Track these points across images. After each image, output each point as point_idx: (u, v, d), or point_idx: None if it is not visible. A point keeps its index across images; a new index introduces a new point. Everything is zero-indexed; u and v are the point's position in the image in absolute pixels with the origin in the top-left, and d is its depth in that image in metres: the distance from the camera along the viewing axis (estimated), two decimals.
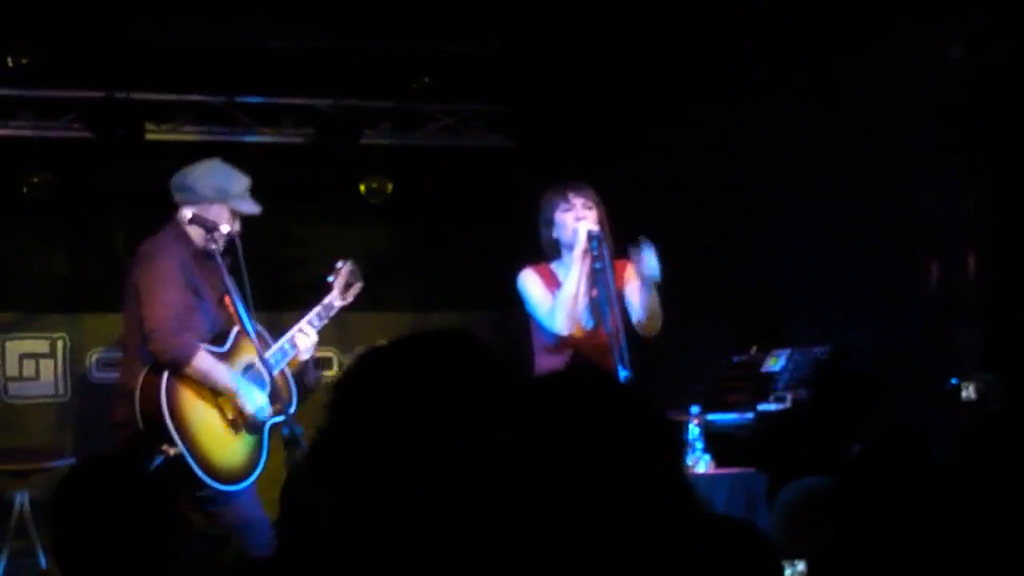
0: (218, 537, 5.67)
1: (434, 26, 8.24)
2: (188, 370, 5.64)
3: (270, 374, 5.83)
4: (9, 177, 8.06)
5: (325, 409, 2.01)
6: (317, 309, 6.19)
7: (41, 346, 8.21)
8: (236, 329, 5.87)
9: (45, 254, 8.27)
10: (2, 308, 8.06)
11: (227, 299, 5.79)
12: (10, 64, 7.91)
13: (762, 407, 6.69)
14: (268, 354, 5.89)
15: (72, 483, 3.30)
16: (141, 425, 5.60)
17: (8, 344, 8.15)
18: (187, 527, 5.25)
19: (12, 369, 8.14)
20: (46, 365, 8.20)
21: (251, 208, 5.97)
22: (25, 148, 8.13)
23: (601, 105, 8.09)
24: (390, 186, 8.72)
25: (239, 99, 8.42)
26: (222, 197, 5.86)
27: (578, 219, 5.90)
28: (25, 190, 8.09)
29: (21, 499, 7.22)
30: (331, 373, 8.24)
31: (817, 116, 7.05)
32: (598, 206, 5.95)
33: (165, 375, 5.61)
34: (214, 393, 5.77)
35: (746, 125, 7.46)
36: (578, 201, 5.92)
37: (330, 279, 6.30)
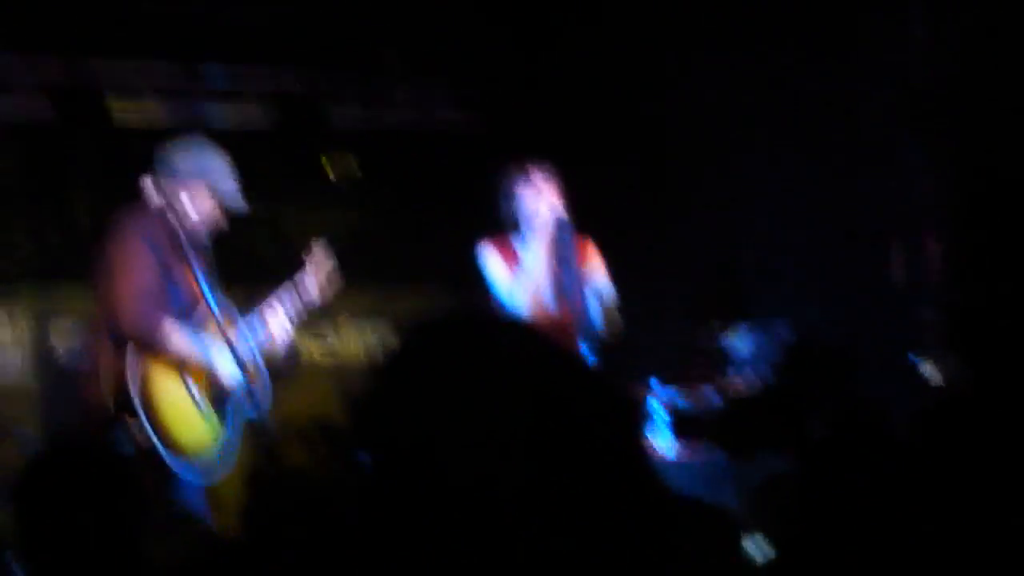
0: (182, 515, 5.66)
1: (402, 3, 8.22)
2: (156, 344, 5.62)
3: (240, 356, 5.82)
4: None
5: (369, 378, 1.99)
6: (287, 287, 6.16)
7: (1, 319, 8.15)
8: (203, 307, 5.85)
9: (6, 228, 8.21)
10: None
11: (190, 276, 5.75)
12: None
13: (723, 383, 6.72)
14: (239, 339, 5.86)
15: (36, 460, 3.29)
16: (107, 397, 5.58)
17: None
18: (151, 503, 5.24)
19: None
20: (5, 337, 8.14)
21: (231, 188, 5.87)
22: None
23: (568, 83, 8.09)
24: (356, 164, 8.70)
25: (204, 75, 8.37)
26: (200, 175, 5.80)
27: (539, 193, 5.92)
28: None
29: None
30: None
31: (781, 95, 7.07)
32: (559, 184, 5.96)
33: (132, 349, 5.59)
34: (181, 369, 5.75)
35: (712, 104, 7.48)
36: (537, 175, 5.93)
37: (304, 259, 6.28)
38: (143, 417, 5.54)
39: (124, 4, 7.96)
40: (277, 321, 6.06)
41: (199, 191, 5.78)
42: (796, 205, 7.06)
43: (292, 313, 6.15)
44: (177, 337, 5.66)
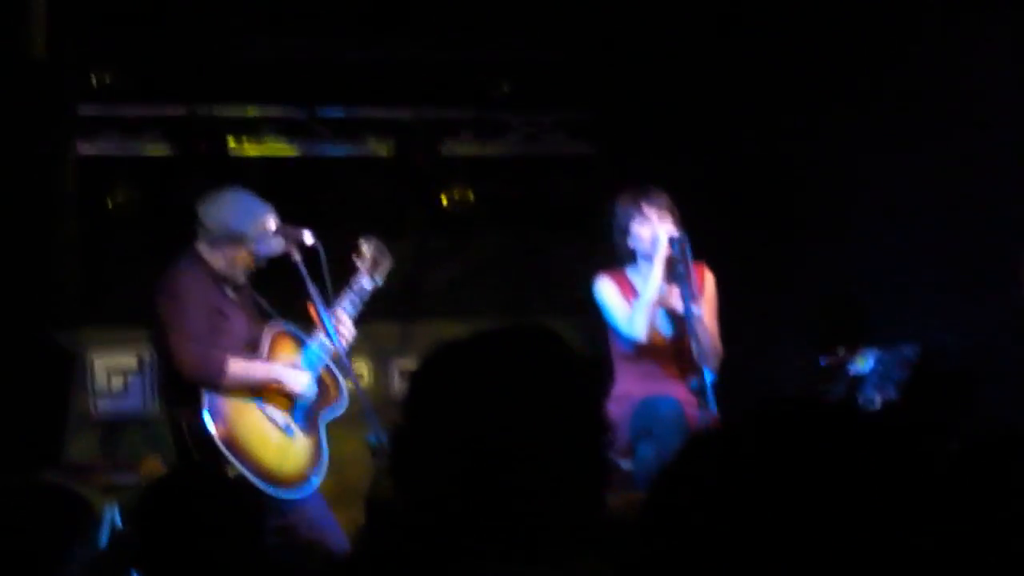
0: (301, 549, 5.67)
1: (512, 34, 8.24)
2: (226, 382, 5.65)
3: (315, 371, 5.84)
4: (95, 194, 8.15)
5: (400, 403, 2.00)
6: (348, 294, 6.02)
7: (129, 361, 8.27)
8: (269, 334, 5.86)
9: (131, 269, 8.35)
10: (90, 323, 8.14)
11: (311, 308, 5.80)
12: (94, 83, 8.02)
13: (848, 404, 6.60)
14: (306, 351, 5.87)
15: (158, 489, 3.32)
16: (196, 455, 5.61)
17: (96, 360, 8.22)
18: (269, 535, 5.27)
19: (101, 384, 8.22)
20: (134, 380, 8.26)
21: (269, 249, 5.85)
22: (110, 166, 8.23)
23: (683, 108, 8.03)
24: (471, 195, 8.72)
25: (320, 113, 8.46)
26: (233, 240, 5.81)
27: (655, 221, 5.87)
28: (111, 207, 8.18)
29: (112, 513, 7.25)
30: None
31: (906, 113, 6.94)
32: (674, 213, 5.91)
33: (206, 399, 5.61)
34: (260, 402, 5.77)
35: (834, 122, 7.36)
36: (653, 213, 5.88)
37: (356, 260, 6.12)
38: (235, 463, 5.57)
39: (240, 49, 8.09)
40: (344, 329, 5.95)
41: (237, 254, 5.79)
42: (923, 224, 6.92)
43: (355, 314, 6.04)
44: (244, 368, 5.70)
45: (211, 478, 3.54)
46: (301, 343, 5.92)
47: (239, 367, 5.68)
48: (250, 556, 3.18)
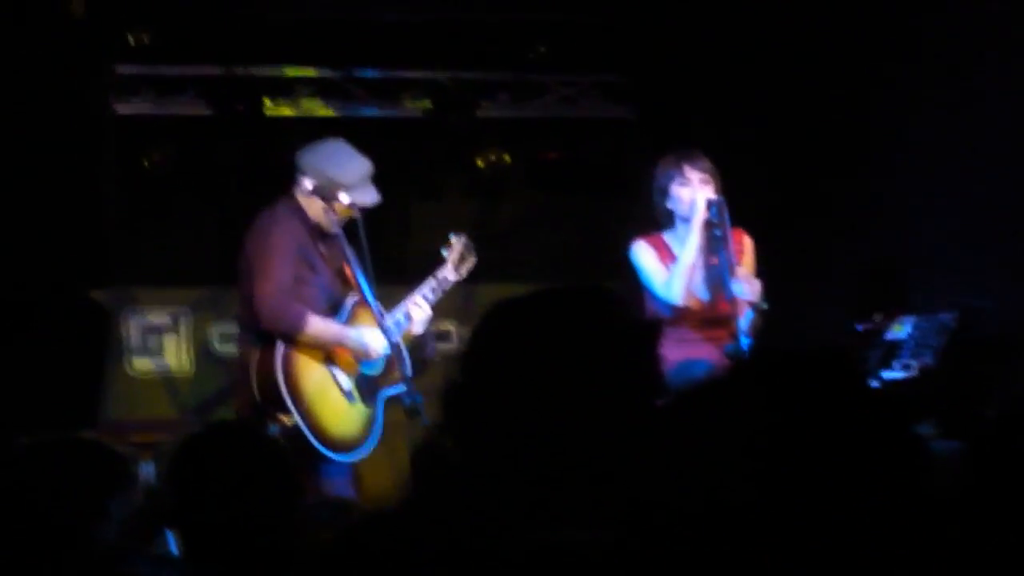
0: (339, 504, 5.69)
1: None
2: (301, 337, 5.66)
3: (390, 342, 5.84)
4: (131, 153, 8.17)
5: (457, 360, 2.00)
6: (431, 282, 6.13)
7: (163, 320, 8.31)
8: (353, 300, 5.88)
9: (167, 229, 8.37)
10: (124, 282, 8.17)
11: (347, 270, 5.81)
12: (132, 43, 8.04)
13: (887, 375, 6.57)
14: (388, 328, 5.87)
15: (193, 446, 3.33)
16: (257, 396, 5.64)
17: (131, 318, 8.25)
18: (304, 492, 5.29)
19: (136, 342, 8.25)
20: (169, 338, 8.30)
21: (366, 199, 5.87)
22: (147, 124, 8.24)
23: (721, 72, 7.98)
24: (508, 158, 8.71)
25: (356, 74, 8.46)
26: (333, 187, 5.80)
27: (694, 185, 5.86)
28: (147, 165, 8.20)
29: (147, 470, 7.30)
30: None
31: (953, 79, 6.89)
32: (715, 177, 5.89)
33: (280, 346, 5.63)
34: (329, 362, 5.79)
35: (879, 86, 7.30)
36: (695, 176, 5.86)
37: (444, 252, 6.27)
38: (294, 412, 5.59)
39: (277, 9, 8.10)
40: (422, 316, 6.05)
41: (336, 191, 5.79)
42: (962, 189, 6.88)
43: (432, 302, 6.14)
44: (321, 327, 5.71)
45: (247, 435, 3.54)
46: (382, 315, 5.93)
47: (317, 327, 5.70)
48: (286, 514, 3.18)
